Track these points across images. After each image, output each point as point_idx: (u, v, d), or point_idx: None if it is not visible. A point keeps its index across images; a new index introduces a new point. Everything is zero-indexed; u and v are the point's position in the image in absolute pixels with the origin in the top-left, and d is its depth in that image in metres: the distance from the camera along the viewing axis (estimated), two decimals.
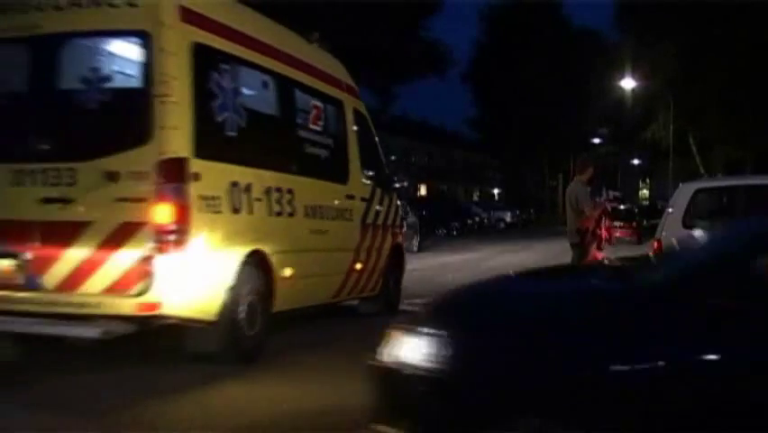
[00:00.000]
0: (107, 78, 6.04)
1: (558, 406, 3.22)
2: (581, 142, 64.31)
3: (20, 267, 5.92)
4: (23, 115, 6.18)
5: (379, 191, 9.59)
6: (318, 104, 8.42)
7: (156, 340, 6.48)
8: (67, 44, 6.14)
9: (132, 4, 5.90)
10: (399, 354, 3.54)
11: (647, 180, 78.83)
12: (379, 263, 9.47)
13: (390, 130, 62.96)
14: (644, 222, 35.08)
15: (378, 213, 9.55)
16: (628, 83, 34.22)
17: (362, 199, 9.16)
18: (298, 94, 7.97)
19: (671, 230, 10.20)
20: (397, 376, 3.56)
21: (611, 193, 29.20)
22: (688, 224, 10.12)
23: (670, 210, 10.35)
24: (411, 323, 3.72)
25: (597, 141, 65.92)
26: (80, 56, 6.19)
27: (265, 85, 7.40)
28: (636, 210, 40.67)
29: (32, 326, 5.89)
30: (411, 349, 3.50)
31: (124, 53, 6.18)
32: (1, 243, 5.96)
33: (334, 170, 8.61)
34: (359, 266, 8.91)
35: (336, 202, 8.50)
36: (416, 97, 54.12)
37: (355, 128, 9.25)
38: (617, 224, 34.57)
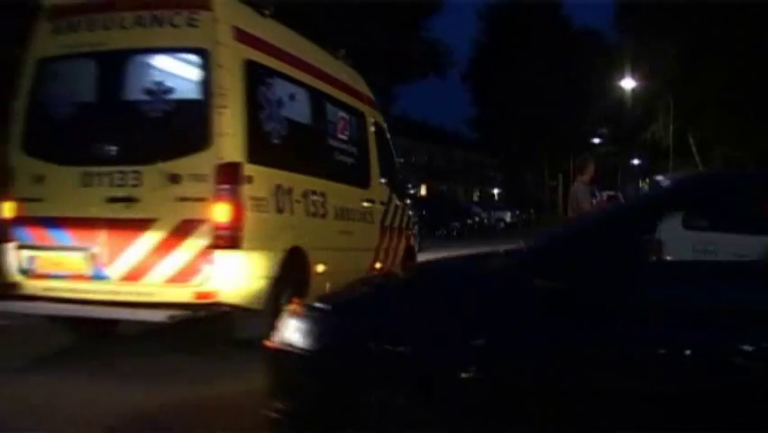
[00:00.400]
0: (169, 90, 6.63)
1: (404, 380, 3.51)
2: (581, 142, 64.30)
3: (88, 260, 6.53)
4: (92, 123, 6.80)
5: (394, 196, 10.41)
6: (345, 115, 9.26)
7: (193, 329, 7.14)
8: (132, 59, 6.79)
9: (191, 25, 6.55)
10: (284, 335, 3.89)
11: (647, 181, 78.82)
12: (395, 263, 10.27)
13: (390, 130, 62.97)
14: None
15: (394, 216, 10.33)
16: (628, 83, 34.27)
17: (381, 203, 9.93)
18: (329, 106, 8.77)
19: (670, 230, 10.22)
20: (281, 355, 3.91)
21: (605, 193, 30.29)
22: (688, 224, 10.13)
23: None
24: (297, 308, 4.11)
25: (597, 141, 65.95)
26: (144, 70, 6.82)
27: (302, 98, 8.10)
28: None
29: (109, 311, 6.54)
30: (292, 330, 3.87)
31: (185, 68, 6.78)
32: (71, 238, 6.60)
33: (358, 176, 9.34)
34: (378, 265, 9.60)
35: (360, 205, 9.26)
36: (416, 97, 54.15)
37: (375, 137, 10.10)
38: None
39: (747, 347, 3.11)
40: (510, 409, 3.31)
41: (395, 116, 64.03)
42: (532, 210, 57.51)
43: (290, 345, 3.90)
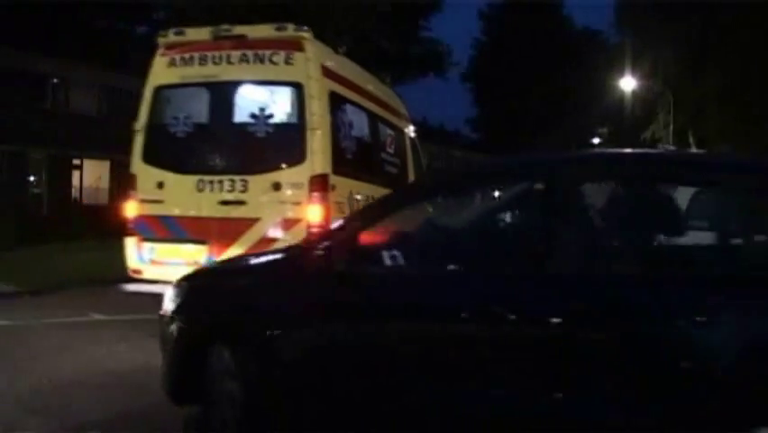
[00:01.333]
0: (271, 116, 8.21)
1: (232, 336, 4.61)
2: (581, 142, 64.31)
3: (203, 251, 8.05)
4: (205, 140, 8.34)
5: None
6: (391, 132, 11.15)
7: None
8: (238, 89, 8.37)
9: (288, 63, 8.17)
10: (164, 305, 5.04)
11: None
12: None
13: None
14: None
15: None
16: (628, 83, 34.19)
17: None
18: (381, 126, 10.63)
19: None
20: (161, 320, 5.06)
21: None
22: (687, 224, 10.11)
23: None
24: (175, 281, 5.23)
25: (597, 141, 65.95)
26: (249, 98, 8.35)
27: (364, 120, 9.87)
28: None
29: None
30: (167, 299, 5.03)
31: (283, 97, 8.29)
32: (190, 233, 8.17)
33: (399, 181, 10.79)
34: None
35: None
36: (416, 97, 54.15)
37: (411, 150, 12.13)
38: None
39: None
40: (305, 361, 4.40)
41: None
42: None
43: (164, 312, 5.02)
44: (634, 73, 33.28)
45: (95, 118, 32.42)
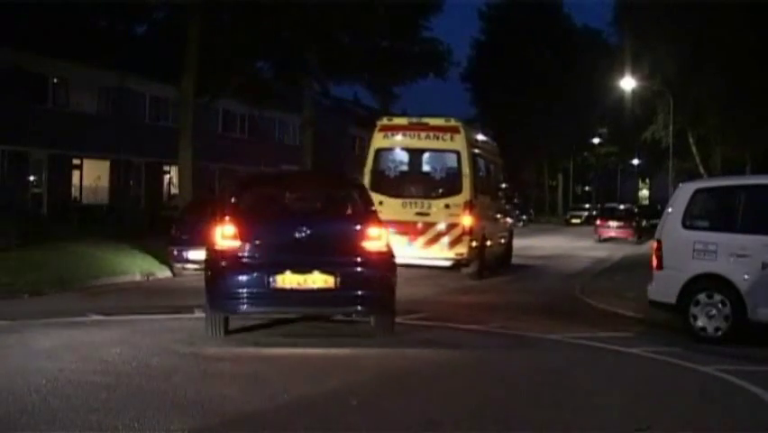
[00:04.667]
0: (443, 167, 15.95)
1: None
2: (581, 142, 64.23)
3: (404, 239, 14.78)
4: (406, 179, 16.07)
5: (503, 202, 19.56)
6: (492, 167, 18.90)
7: None
8: (424, 153, 16.12)
9: (452, 140, 15.75)
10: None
11: (647, 180, 78.73)
12: (510, 242, 20.16)
13: None
14: (644, 222, 35.15)
15: (506, 212, 19.99)
16: (628, 83, 34.13)
17: (504, 210, 19.66)
18: (491, 165, 18.69)
19: (670, 230, 10.21)
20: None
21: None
22: (687, 224, 10.12)
23: (669, 210, 10.34)
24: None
25: (597, 141, 65.85)
26: (433, 157, 16.07)
27: (484, 164, 17.66)
28: (636, 210, 40.71)
29: (418, 262, 15.30)
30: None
31: (450, 158, 15.87)
32: (399, 231, 14.37)
33: (502, 194, 19.40)
34: (503, 241, 19.25)
35: (498, 209, 18.84)
36: (416, 97, 53.96)
37: (501, 174, 20.23)
38: (615, 223, 34.66)
39: None
40: None
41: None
42: (531, 210, 57.40)
43: None
44: (633, 73, 33.21)
45: (95, 118, 32.43)
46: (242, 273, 8.39)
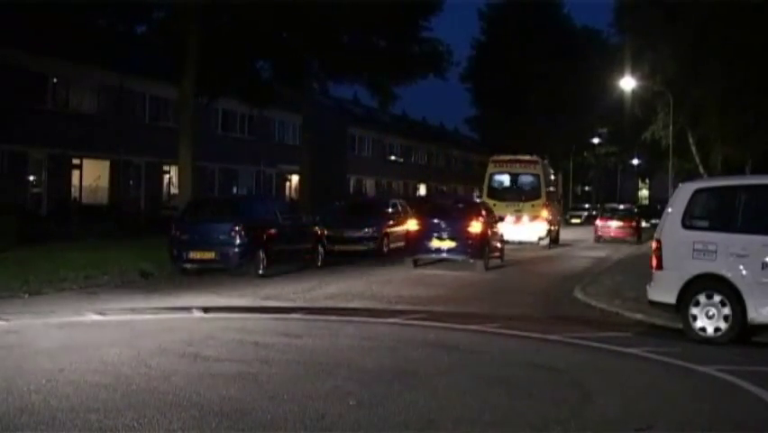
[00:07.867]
0: (531, 183, 28.69)
1: None
2: (581, 142, 64.24)
3: (509, 226, 25.98)
4: (508, 192, 28.63)
5: (556, 203, 32.35)
6: (553, 181, 32.71)
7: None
8: (520, 175, 28.88)
9: (535, 168, 28.81)
10: None
11: (647, 180, 78.70)
12: (559, 229, 31.76)
13: (390, 130, 63.16)
14: (644, 222, 35.18)
15: (559, 213, 34.75)
16: (628, 83, 34.13)
17: (559, 210, 34.89)
18: (552, 182, 31.92)
19: (670, 230, 10.21)
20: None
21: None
22: (687, 224, 10.12)
23: (669, 210, 10.34)
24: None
25: (597, 141, 65.86)
26: (523, 178, 28.91)
27: (550, 181, 31.03)
28: (636, 210, 40.72)
29: (521, 239, 27.79)
30: None
31: (533, 178, 28.72)
32: (505, 221, 24.69)
33: (556, 199, 33.09)
34: (557, 228, 31.32)
35: (557, 209, 32.48)
36: (415, 97, 53.86)
37: (555, 185, 34.52)
38: (615, 223, 34.66)
39: None
40: None
41: (394, 116, 64.09)
42: None
43: None
44: (633, 73, 33.22)
45: (95, 118, 32.42)
46: (420, 240, 18.79)
